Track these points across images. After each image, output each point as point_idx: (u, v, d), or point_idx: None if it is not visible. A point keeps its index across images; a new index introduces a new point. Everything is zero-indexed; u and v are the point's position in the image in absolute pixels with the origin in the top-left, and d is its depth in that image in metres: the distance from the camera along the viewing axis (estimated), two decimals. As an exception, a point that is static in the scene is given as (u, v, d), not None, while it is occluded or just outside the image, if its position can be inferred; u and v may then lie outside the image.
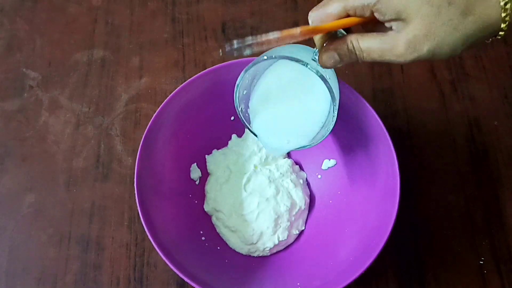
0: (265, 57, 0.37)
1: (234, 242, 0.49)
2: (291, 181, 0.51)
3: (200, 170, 0.52)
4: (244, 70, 0.39)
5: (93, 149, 0.55)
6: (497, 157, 0.55)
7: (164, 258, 0.41)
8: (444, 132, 0.56)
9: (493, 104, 0.57)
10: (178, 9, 0.63)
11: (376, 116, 0.45)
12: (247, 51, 0.33)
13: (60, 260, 0.50)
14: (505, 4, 0.32)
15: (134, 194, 0.44)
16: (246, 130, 0.53)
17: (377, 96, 0.58)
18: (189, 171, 0.51)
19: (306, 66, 0.36)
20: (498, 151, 0.55)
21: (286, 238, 0.49)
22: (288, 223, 0.49)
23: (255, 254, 0.49)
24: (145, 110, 0.57)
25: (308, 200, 0.51)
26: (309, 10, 0.36)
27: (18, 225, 0.52)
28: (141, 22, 0.63)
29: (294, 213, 0.50)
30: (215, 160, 0.53)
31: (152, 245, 0.42)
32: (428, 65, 0.59)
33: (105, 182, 0.54)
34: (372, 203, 0.46)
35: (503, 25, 0.33)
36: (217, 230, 0.50)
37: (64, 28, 0.62)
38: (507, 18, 0.33)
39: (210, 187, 0.51)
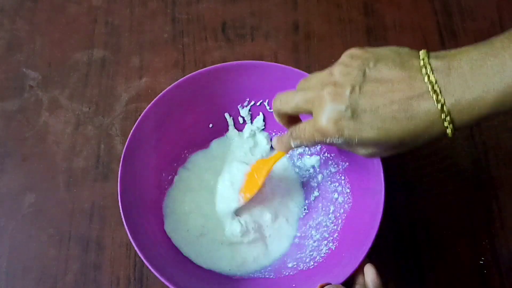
0: None
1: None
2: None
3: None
4: None
5: (93, 149, 0.55)
6: (497, 157, 0.55)
7: (159, 277, 0.40)
8: (444, 132, 0.56)
9: (493, 104, 0.57)
10: (178, 9, 0.63)
11: None
12: None
13: (60, 260, 0.50)
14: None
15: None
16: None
17: (377, 96, 0.58)
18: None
19: None
20: (498, 151, 0.55)
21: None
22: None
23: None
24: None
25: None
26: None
27: (18, 225, 0.52)
28: (141, 22, 0.63)
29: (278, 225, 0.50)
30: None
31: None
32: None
33: (105, 182, 0.54)
34: (362, 202, 0.46)
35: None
36: None
37: (64, 28, 0.62)
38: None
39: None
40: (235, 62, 0.49)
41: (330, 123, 0.36)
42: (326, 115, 0.36)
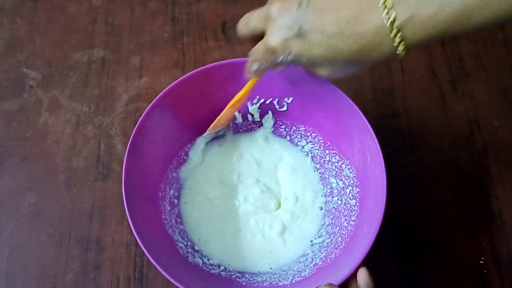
0: None
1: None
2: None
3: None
4: None
5: (93, 149, 0.55)
6: (497, 157, 0.55)
7: (163, 272, 0.40)
8: (444, 132, 0.56)
9: (493, 104, 0.57)
10: (178, 9, 0.63)
11: (352, 102, 0.45)
12: None
13: (60, 260, 0.50)
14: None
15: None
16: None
17: (377, 96, 0.58)
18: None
19: None
20: (498, 151, 0.55)
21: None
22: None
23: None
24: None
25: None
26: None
27: (18, 225, 0.52)
28: (141, 22, 0.63)
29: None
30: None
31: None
32: (428, 65, 0.59)
33: (105, 182, 0.54)
34: (362, 200, 0.46)
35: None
36: None
37: (64, 28, 0.62)
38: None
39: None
40: (246, 59, 0.49)
41: (279, 41, 0.36)
42: (274, 33, 0.36)
